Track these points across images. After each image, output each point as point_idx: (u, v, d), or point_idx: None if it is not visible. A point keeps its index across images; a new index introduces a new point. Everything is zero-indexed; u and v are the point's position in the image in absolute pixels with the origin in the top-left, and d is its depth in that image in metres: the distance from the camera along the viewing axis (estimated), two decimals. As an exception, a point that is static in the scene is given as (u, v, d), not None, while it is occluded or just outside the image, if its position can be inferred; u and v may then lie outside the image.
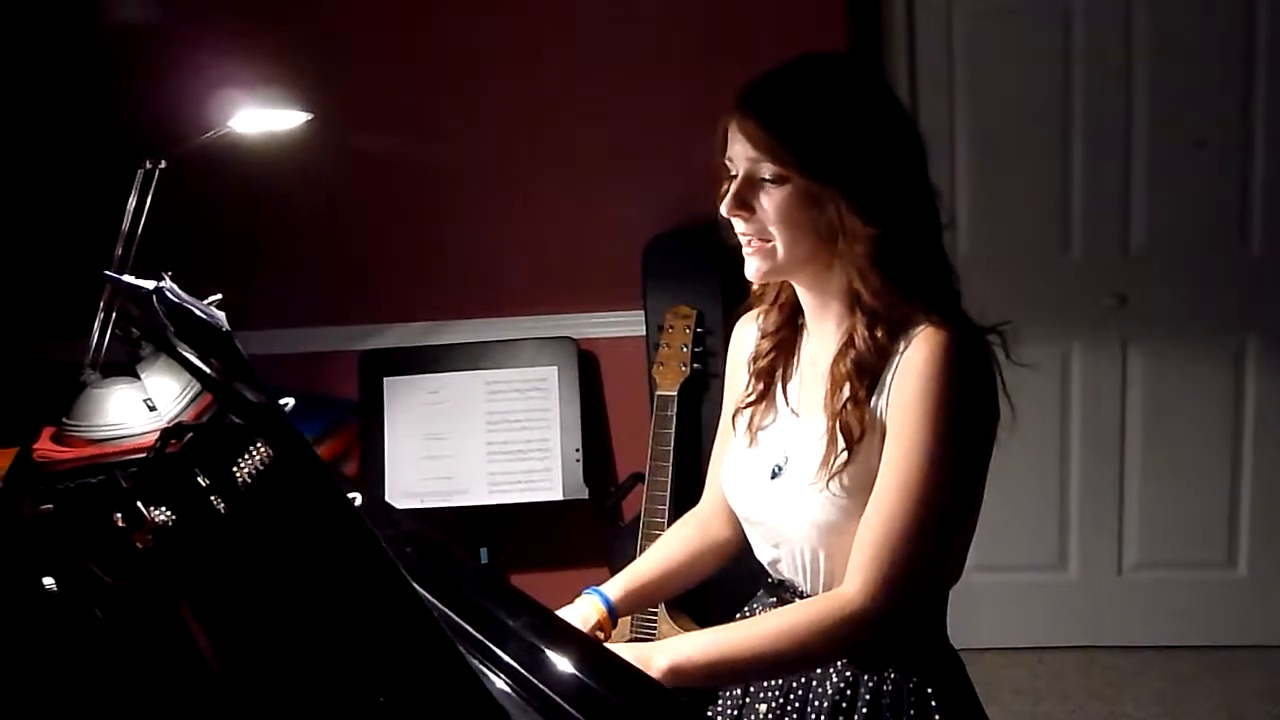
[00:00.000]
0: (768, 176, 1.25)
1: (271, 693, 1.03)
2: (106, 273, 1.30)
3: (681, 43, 2.59)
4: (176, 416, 1.68)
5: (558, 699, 0.98)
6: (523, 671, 1.02)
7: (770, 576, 1.43)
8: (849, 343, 1.28)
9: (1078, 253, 2.78)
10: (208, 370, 1.01)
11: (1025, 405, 2.81)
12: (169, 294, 0.97)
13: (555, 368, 2.61)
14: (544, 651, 1.07)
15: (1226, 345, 2.79)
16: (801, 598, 1.36)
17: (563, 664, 1.06)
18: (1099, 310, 2.78)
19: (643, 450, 2.42)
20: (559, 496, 2.56)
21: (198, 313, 0.93)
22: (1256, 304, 2.75)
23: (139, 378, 1.72)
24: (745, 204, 1.27)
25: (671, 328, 2.46)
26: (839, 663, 1.34)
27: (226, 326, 0.88)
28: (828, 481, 1.28)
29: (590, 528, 2.69)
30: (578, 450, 2.57)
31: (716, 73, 2.55)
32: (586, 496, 2.57)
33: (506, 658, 1.05)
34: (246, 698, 1.03)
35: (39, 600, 1.32)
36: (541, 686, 1.00)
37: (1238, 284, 2.75)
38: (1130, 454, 2.87)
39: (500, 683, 1.03)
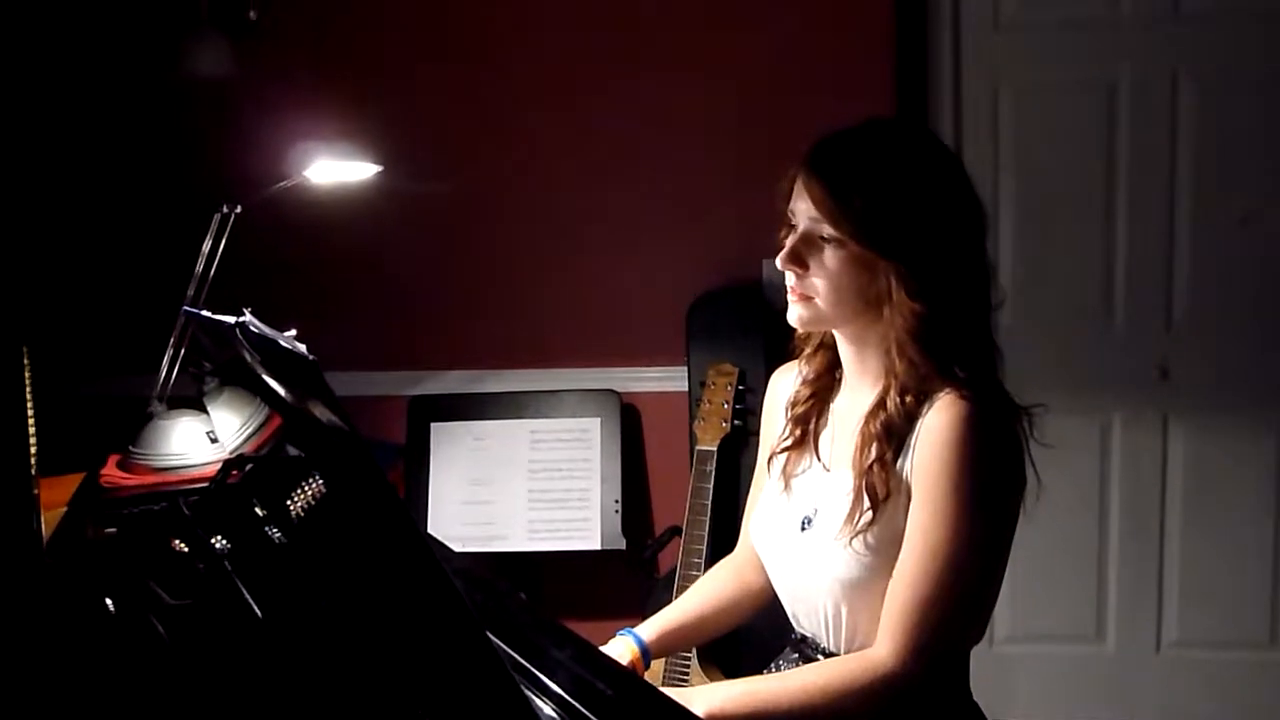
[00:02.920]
0: (825, 237, 1.30)
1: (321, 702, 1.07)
2: (186, 308, 1.37)
3: (730, 105, 2.66)
4: (237, 449, 1.75)
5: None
6: (570, 700, 1.06)
7: (794, 631, 1.46)
8: (880, 404, 1.32)
9: (1120, 325, 2.79)
10: (291, 398, 1.07)
11: (1065, 476, 2.84)
12: (252, 327, 1.03)
13: (598, 419, 2.66)
14: (590, 681, 1.10)
15: (1269, 421, 2.77)
16: (824, 654, 1.39)
17: (608, 693, 1.09)
18: (1141, 382, 2.78)
19: (681, 504, 2.45)
20: (597, 546, 2.60)
21: (282, 343, 1.00)
22: (1300, 381, 2.75)
23: (204, 411, 1.81)
24: (800, 260, 1.32)
25: (713, 384, 2.51)
26: None
27: (311, 356, 0.94)
28: (852, 539, 1.31)
29: (626, 578, 2.71)
30: (617, 501, 2.61)
31: (764, 134, 2.64)
32: (624, 547, 2.60)
33: (555, 686, 1.09)
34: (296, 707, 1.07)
35: (98, 617, 1.37)
36: (589, 714, 1.04)
37: (1281, 360, 2.75)
38: (1170, 528, 2.84)
39: (549, 709, 1.07)
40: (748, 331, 2.54)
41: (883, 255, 1.28)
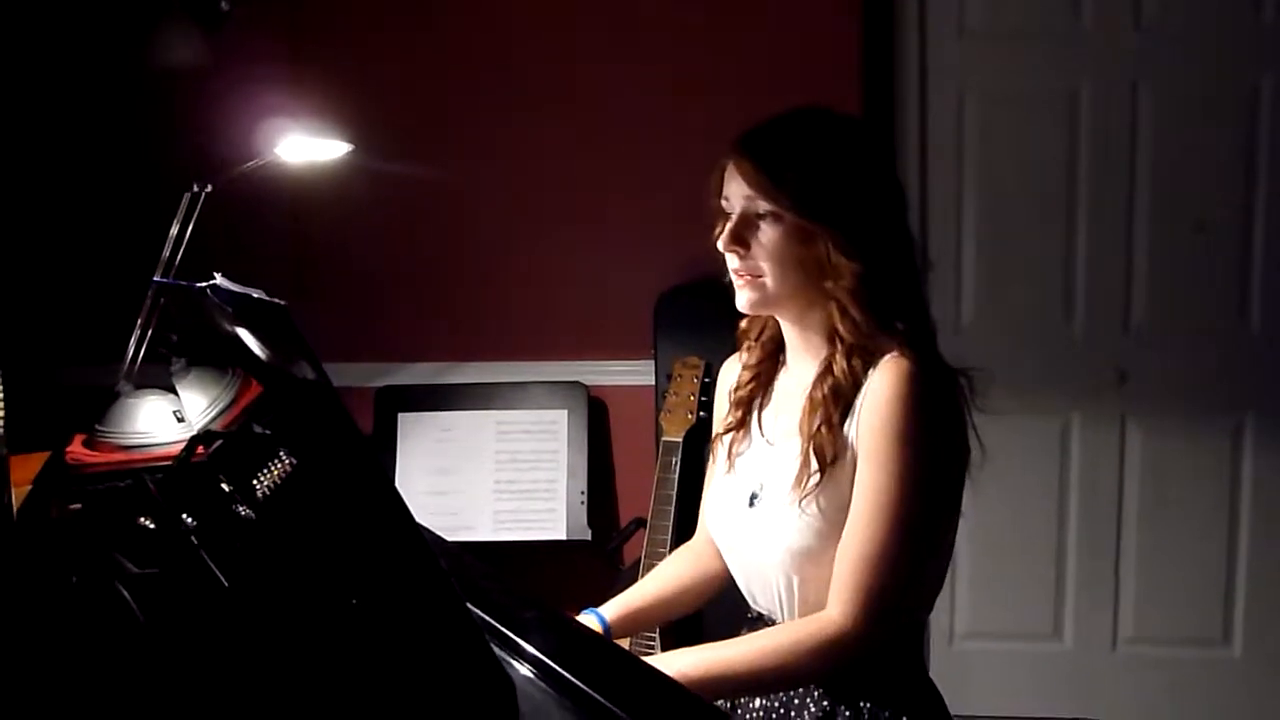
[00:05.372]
0: (762, 213, 1.34)
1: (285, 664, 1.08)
2: (156, 278, 1.38)
3: (697, 104, 2.69)
4: (204, 428, 1.75)
5: (582, 684, 1.03)
6: (547, 661, 1.08)
7: (749, 610, 1.49)
8: (827, 370, 1.36)
9: (1079, 327, 2.85)
10: (264, 352, 1.08)
11: (1024, 476, 2.89)
12: (223, 286, 1.04)
13: (565, 411, 2.68)
14: (565, 644, 1.12)
15: (1224, 423, 2.83)
16: None
17: (584, 654, 1.11)
18: (1099, 384, 2.83)
19: (646, 496, 2.47)
20: (562, 537, 2.61)
21: (255, 295, 1.01)
22: (1255, 383, 2.80)
23: (172, 392, 1.81)
24: (741, 240, 1.36)
25: (680, 377, 2.53)
26: (816, 693, 1.39)
27: (281, 302, 0.95)
28: (801, 502, 1.33)
29: (591, 570, 2.73)
30: (583, 493, 2.63)
31: (731, 134, 2.66)
32: (589, 538, 2.62)
33: (530, 648, 1.10)
34: (257, 673, 1.08)
35: (61, 595, 1.37)
36: (566, 674, 1.05)
37: (1236, 363, 2.80)
38: (1127, 527, 2.89)
39: (525, 670, 1.09)
40: (715, 325, 2.49)
41: (818, 222, 1.33)
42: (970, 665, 2.95)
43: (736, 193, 1.36)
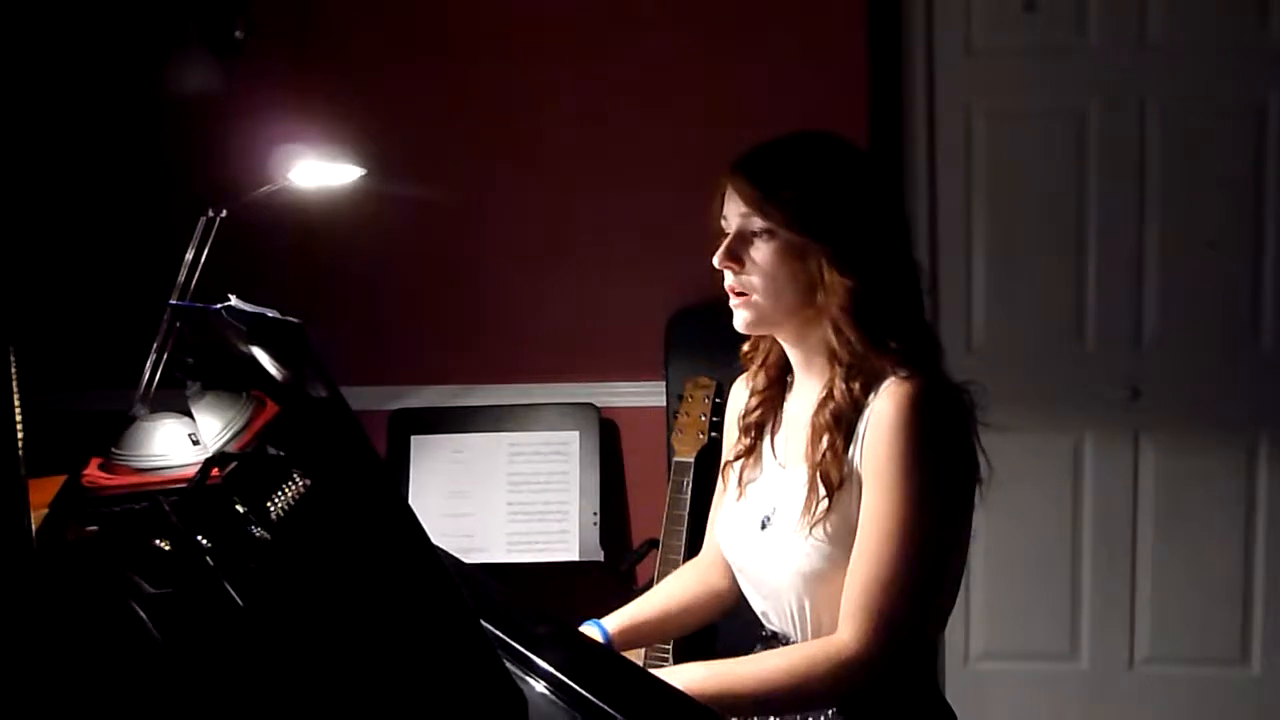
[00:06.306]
0: (757, 231, 1.36)
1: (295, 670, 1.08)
2: (171, 302, 1.40)
3: (710, 126, 2.71)
4: (218, 451, 1.76)
5: (595, 699, 1.04)
6: (561, 676, 1.08)
7: (763, 629, 1.49)
8: (828, 395, 1.36)
9: (1091, 345, 2.84)
10: (279, 371, 1.09)
11: (1038, 494, 2.88)
12: (237, 306, 1.06)
13: (577, 433, 2.69)
14: (578, 659, 1.12)
15: (1239, 440, 2.81)
16: None
17: (597, 669, 1.11)
18: (1112, 401, 2.83)
19: (658, 516, 2.48)
20: (575, 558, 2.61)
21: (269, 314, 1.02)
22: (1268, 400, 2.79)
23: (187, 415, 1.82)
24: (736, 257, 1.38)
25: (691, 397, 2.54)
26: (829, 711, 1.38)
27: (296, 320, 0.97)
28: (811, 528, 1.34)
29: (604, 590, 2.72)
30: (595, 514, 2.63)
31: (739, 154, 2.68)
32: (602, 559, 2.62)
33: (544, 664, 1.11)
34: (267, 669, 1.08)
35: (78, 616, 1.38)
36: (581, 690, 1.06)
37: (1249, 380, 2.79)
38: (1142, 545, 2.88)
39: (540, 687, 1.09)
40: (726, 346, 2.52)
41: (811, 238, 1.34)
42: (986, 686, 2.93)
43: (734, 211, 1.39)
